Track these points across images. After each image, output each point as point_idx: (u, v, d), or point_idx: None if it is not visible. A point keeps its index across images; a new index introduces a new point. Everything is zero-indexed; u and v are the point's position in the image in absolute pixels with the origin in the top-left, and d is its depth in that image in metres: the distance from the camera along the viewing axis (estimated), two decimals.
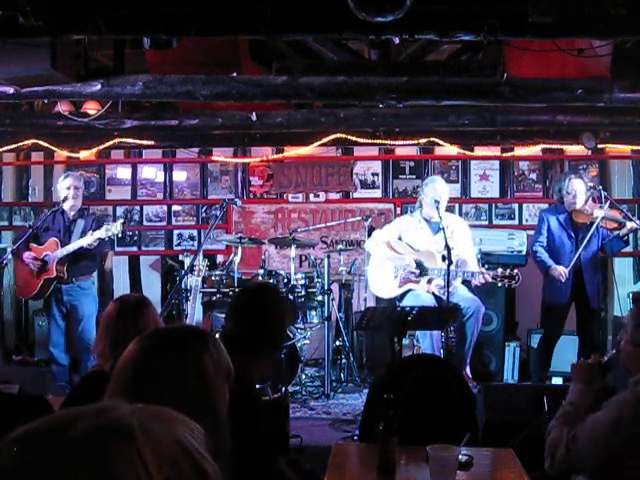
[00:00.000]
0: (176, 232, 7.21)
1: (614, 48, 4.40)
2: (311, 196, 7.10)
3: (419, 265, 5.28)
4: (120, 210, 7.20)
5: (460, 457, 2.24)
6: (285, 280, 5.55)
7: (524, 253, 6.08)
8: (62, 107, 5.66)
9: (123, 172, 7.24)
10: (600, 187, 5.39)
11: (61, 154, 6.94)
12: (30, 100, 5.71)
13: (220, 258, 7.04)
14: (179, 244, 7.17)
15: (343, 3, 3.18)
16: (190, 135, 6.60)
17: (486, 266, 5.34)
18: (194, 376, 1.45)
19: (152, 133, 6.48)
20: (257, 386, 3.42)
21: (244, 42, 5.02)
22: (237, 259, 5.70)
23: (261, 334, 2.36)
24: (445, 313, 4.59)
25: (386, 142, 6.61)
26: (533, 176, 6.91)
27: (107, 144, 6.64)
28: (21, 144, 6.69)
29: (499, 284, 5.04)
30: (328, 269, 5.56)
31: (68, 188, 5.36)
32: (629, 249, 6.10)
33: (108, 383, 1.44)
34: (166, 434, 0.77)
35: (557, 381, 5.63)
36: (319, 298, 5.66)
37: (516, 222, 6.82)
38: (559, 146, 6.70)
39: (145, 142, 6.67)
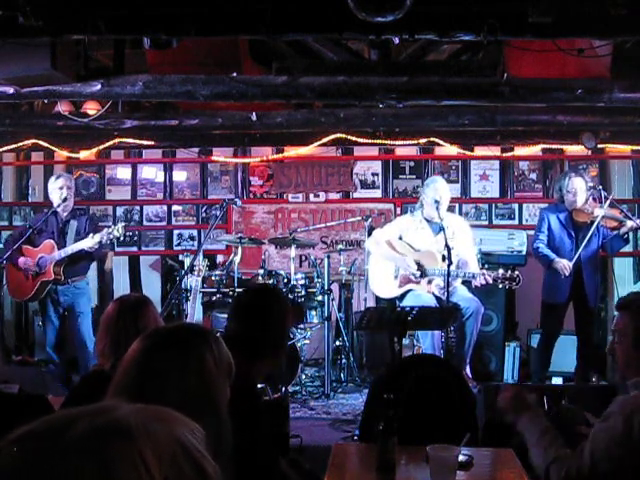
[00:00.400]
0: (176, 232, 7.20)
1: (614, 48, 4.40)
2: (311, 196, 7.10)
3: (420, 267, 5.28)
4: (120, 210, 7.19)
5: (460, 457, 2.23)
6: (285, 280, 5.55)
7: (524, 253, 6.08)
8: (62, 107, 5.66)
9: (123, 172, 7.23)
10: (600, 187, 5.40)
11: (61, 154, 6.93)
12: (30, 100, 5.71)
13: (220, 258, 7.04)
14: (179, 244, 7.17)
15: (343, 3, 3.18)
16: (190, 135, 6.60)
17: (486, 266, 5.34)
18: (195, 374, 1.44)
19: (152, 133, 6.47)
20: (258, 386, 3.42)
21: (244, 42, 5.02)
22: (237, 259, 5.70)
23: (263, 335, 2.36)
24: (445, 313, 4.59)
25: (386, 142, 6.60)
26: (533, 176, 6.91)
27: (107, 144, 6.64)
28: (21, 144, 6.69)
29: (500, 285, 5.05)
30: (328, 269, 5.56)
31: (61, 188, 5.32)
32: (629, 249, 6.10)
33: (108, 383, 1.44)
34: (166, 434, 0.77)
35: (557, 381, 5.64)
36: (319, 298, 5.66)
37: (516, 222, 6.81)
38: (559, 146, 6.70)
39: (145, 142, 6.66)
